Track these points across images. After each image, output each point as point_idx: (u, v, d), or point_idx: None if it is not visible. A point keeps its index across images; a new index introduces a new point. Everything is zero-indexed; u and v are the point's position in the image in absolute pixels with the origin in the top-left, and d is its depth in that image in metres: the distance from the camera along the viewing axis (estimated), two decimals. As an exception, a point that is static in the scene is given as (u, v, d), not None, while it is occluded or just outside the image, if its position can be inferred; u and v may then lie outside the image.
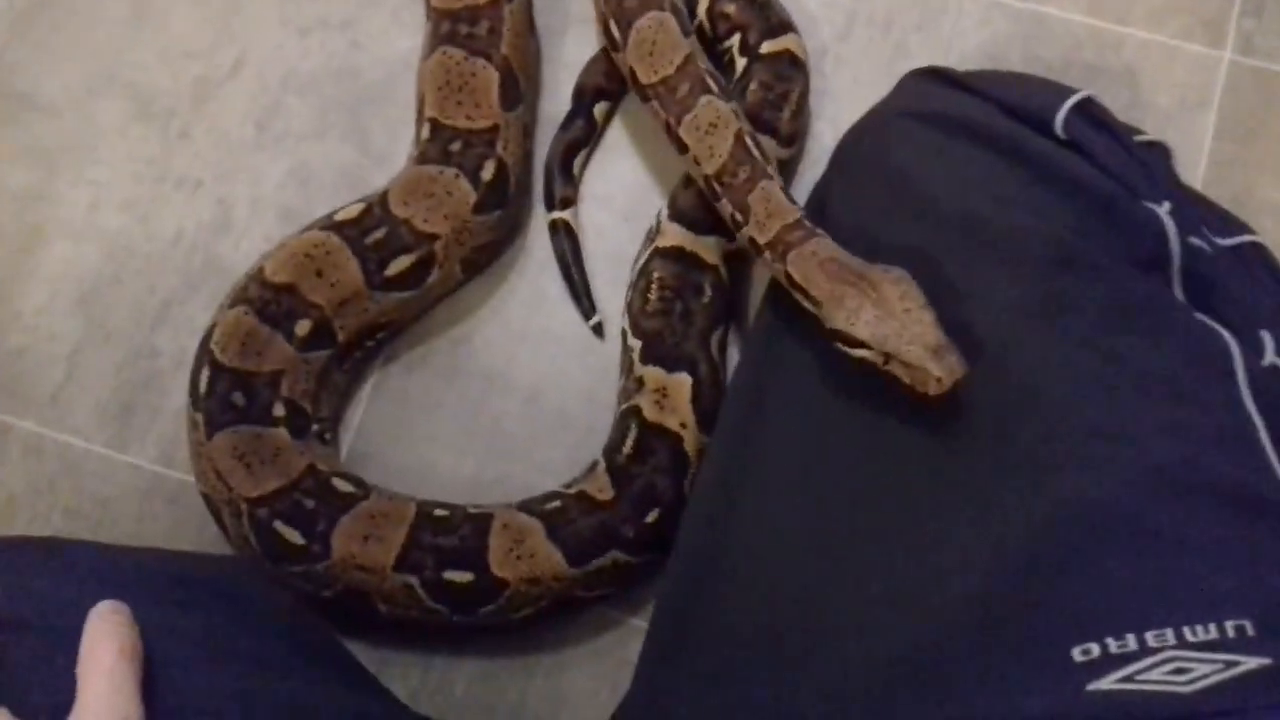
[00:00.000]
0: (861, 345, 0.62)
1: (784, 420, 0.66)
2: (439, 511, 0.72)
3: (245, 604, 0.64)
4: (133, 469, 0.81)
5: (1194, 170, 0.85)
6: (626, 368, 0.78)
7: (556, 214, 0.84)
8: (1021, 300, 0.60)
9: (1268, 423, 0.60)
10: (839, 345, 0.64)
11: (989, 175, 0.67)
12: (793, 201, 0.71)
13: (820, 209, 0.72)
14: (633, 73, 0.77)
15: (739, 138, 0.73)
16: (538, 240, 0.85)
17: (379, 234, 0.75)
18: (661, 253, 0.79)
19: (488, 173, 0.77)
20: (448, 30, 0.79)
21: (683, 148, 0.74)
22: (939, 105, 0.71)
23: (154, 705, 0.51)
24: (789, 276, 0.67)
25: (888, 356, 0.61)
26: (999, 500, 0.57)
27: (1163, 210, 0.65)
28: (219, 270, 0.85)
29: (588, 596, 0.73)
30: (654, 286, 0.78)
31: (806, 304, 0.66)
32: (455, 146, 0.78)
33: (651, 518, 0.71)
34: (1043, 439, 0.57)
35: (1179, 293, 0.65)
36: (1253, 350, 0.63)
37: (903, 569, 0.58)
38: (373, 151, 0.87)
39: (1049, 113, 0.68)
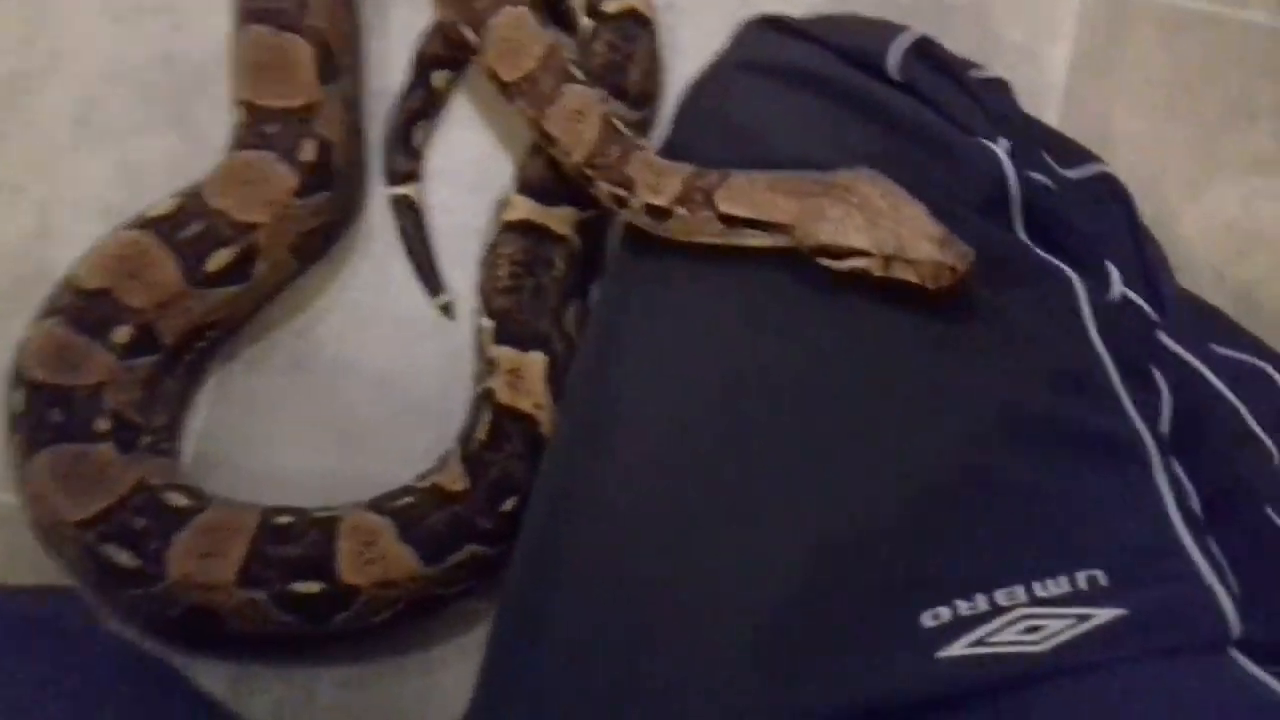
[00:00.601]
0: (857, 254, 0.59)
1: (632, 397, 0.63)
2: (283, 519, 0.68)
3: (74, 644, 0.61)
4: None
5: (1049, 104, 0.83)
6: (479, 350, 0.75)
7: (398, 189, 0.80)
8: None
9: (1116, 359, 0.58)
10: (825, 261, 0.60)
11: (828, 124, 0.65)
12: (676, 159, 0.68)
13: None
14: (494, 73, 0.74)
15: (605, 120, 0.70)
16: (380, 219, 0.81)
17: (196, 228, 0.71)
18: (510, 227, 0.75)
19: (307, 153, 0.73)
20: (251, 6, 0.74)
21: (551, 140, 0.71)
22: (775, 55, 0.69)
23: None
24: (726, 216, 0.63)
25: (889, 259, 0.58)
26: (845, 466, 0.55)
27: (999, 148, 0.63)
28: (49, 280, 0.79)
29: (449, 594, 0.70)
30: (503, 262, 0.74)
31: (760, 239, 0.62)
32: (271, 129, 0.73)
33: (509, 506, 0.68)
34: (885, 394, 0.55)
35: (1020, 230, 0.63)
36: (1099, 284, 0.62)
37: (752, 545, 0.55)
38: (203, 139, 0.81)
39: (883, 55, 0.66)
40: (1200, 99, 0.84)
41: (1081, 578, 0.50)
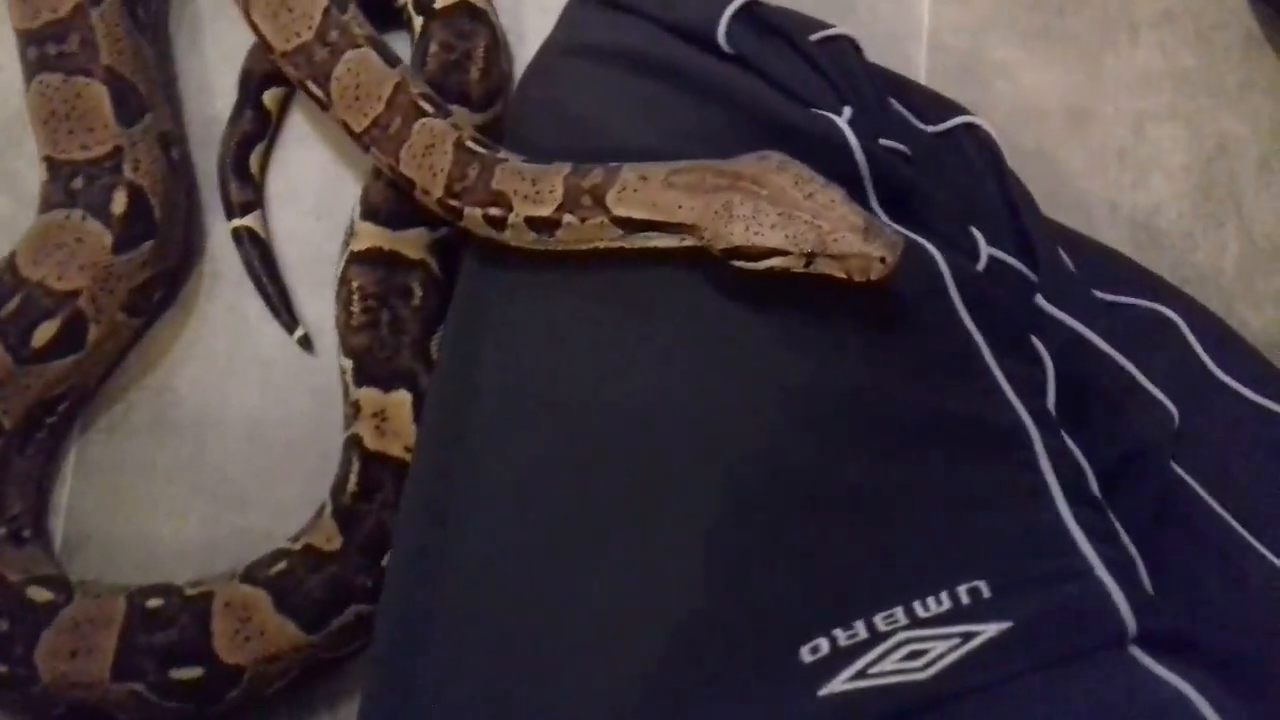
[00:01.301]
0: (773, 253, 0.54)
1: (492, 429, 0.59)
2: (152, 602, 0.64)
3: None
4: None
5: (916, 44, 0.79)
6: (344, 392, 0.71)
7: (237, 221, 0.75)
8: None
9: (990, 336, 0.55)
10: (740, 264, 0.55)
11: (660, 107, 0.62)
12: (549, 163, 0.62)
13: None
14: (346, 126, 0.67)
15: (458, 144, 0.64)
16: (225, 256, 0.76)
17: (13, 304, 0.66)
18: (359, 257, 0.70)
19: (119, 204, 0.68)
20: (36, 55, 0.68)
21: (410, 184, 0.65)
22: (604, 36, 0.65)
23: None
24: (623, 220, 0.58)
25: (810, 256, 0.53)
26: (707, 489, 0.52)
27: (841, 119, 0.59)
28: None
29: (341, 655, 0.66)
30: (355, 297, 0.69)
31: (664, 240, 0.57)
32: (77, 183, 0.68)
33: (387, 560, 0.64)
34: (743, 405, 0.52)
35: (875, 206, 0.59)
36: (964, 254, 0.58)
37: (627, 584, 0.52)
38: (26, 197, 0.76)
39: (711, 25, 0.62)
40: (1074, 18, 0.80)
41: (963, 592, 0.47)
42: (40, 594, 0.64)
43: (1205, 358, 0.63)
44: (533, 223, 0.60)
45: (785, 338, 0.55)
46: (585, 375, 0.58)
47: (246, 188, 0.76)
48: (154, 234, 0.70)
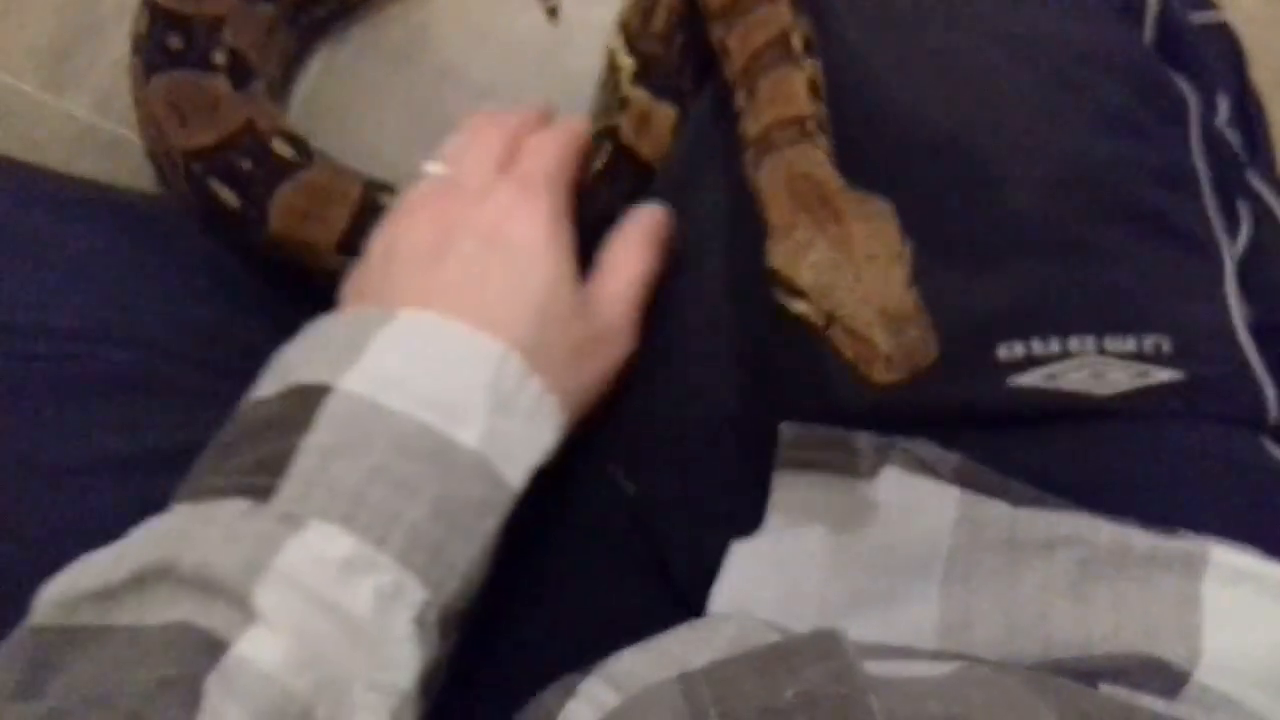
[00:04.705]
0: (801, 295, 0.48)
1: None
2: (385, 198, 0.70)
3: (169, 234, 0.65)
4: (66, 117, 0.78)
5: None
6: (610, 86, 0.75)
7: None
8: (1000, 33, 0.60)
9: (1211, 178, 0.61)
10: (777, 296, 0.50)
11: None
12: (815, 97, 0.59)
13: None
14: None
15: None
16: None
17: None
18: None
19: None
20: None
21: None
22: None
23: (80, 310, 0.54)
24: (756, 189, 0.55)
25: (830, 318, 0.46)
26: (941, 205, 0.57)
27: None
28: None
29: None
30: (662, 9, 0.73)
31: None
32: None
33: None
34: (993, 157, 0.58)
35: (1149, 36, 0.64)
36: (1208, 110, 0.64)
37: None
38: None
39: None
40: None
41: (1148, 341, 0.54)
42: (284, 149, 0.69)
43: None
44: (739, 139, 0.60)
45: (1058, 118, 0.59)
46: None
47: None
48: None
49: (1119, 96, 0.60)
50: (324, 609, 0.43)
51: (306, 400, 0.48)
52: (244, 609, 0.42)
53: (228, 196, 0.68)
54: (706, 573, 0.53)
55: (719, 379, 0.58)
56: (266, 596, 0.42)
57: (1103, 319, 0.54)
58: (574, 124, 0.62)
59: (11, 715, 0.39)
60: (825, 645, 0.41)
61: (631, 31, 0.74)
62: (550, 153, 0.59)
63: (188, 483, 0.48)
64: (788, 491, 0.53)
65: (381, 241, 0.56)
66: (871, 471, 0.53)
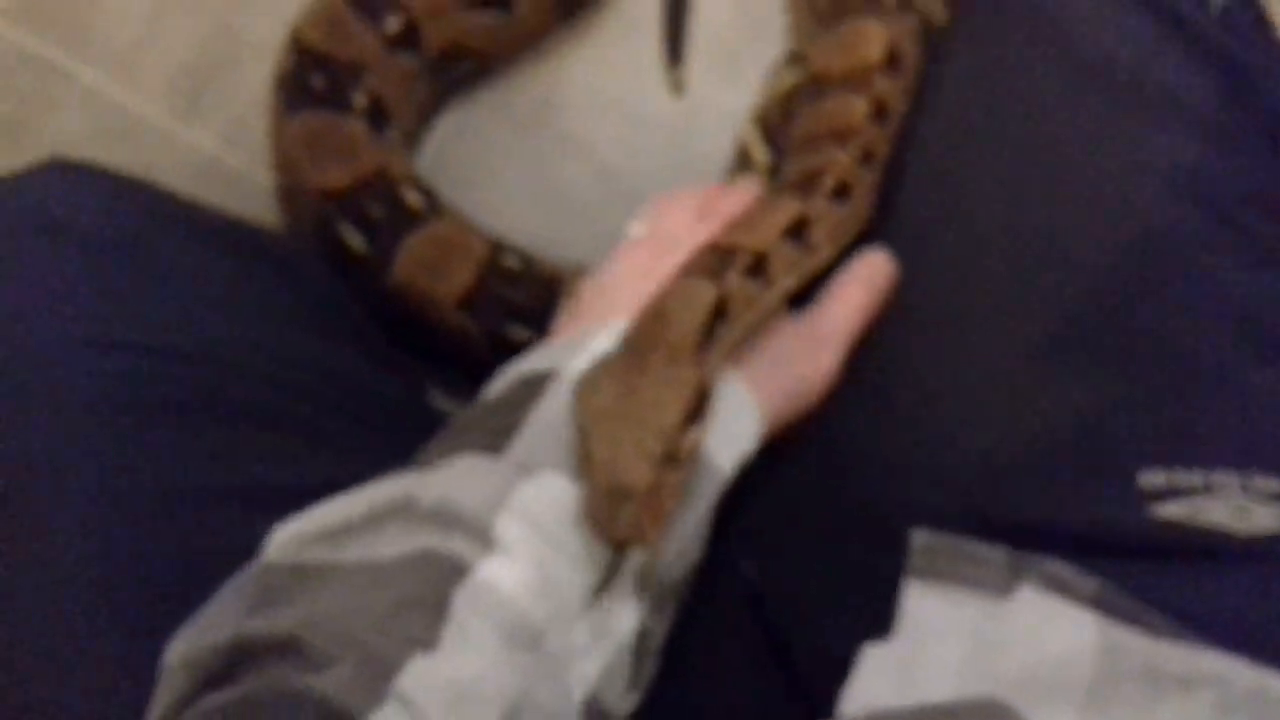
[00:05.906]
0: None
1: None
2: (509, 260, 0.70)
3: (300, 271, 0.65)
4: (191, 147, 0.79)
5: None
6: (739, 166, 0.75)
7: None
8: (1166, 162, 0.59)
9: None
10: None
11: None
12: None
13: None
14: None
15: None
16: (644, 9, 0.81)
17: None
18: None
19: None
20: None
21: None
22: None
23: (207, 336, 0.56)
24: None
25: (584, 460, 0.45)
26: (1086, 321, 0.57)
27: None
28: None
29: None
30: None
31: None
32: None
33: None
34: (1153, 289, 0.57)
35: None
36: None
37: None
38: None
39: None
40: None
41: None
42: (415, 199, 0.70)
43: None
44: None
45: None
46: None
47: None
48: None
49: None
50: (557, 547, 0.45)
51: (533, 384, 0.49)
52: (484, 539, 0.44)
53: (355, 241, 0.68)
54: (828, 666, 0.52)
55: (860, 465, 0.57)
56: (507, 529, 0.44)
57: (1249, 456, 0.53)
58: (754, 189, 0.62)
59: (248, 630, 0.42)
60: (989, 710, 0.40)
61: (770, 126, 0.74)
62: (744, 204, 0.59)
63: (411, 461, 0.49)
64: (920, 600, 0.52)
65: (593, 282, 0.57)
66: (1006, 588, 0.52)
